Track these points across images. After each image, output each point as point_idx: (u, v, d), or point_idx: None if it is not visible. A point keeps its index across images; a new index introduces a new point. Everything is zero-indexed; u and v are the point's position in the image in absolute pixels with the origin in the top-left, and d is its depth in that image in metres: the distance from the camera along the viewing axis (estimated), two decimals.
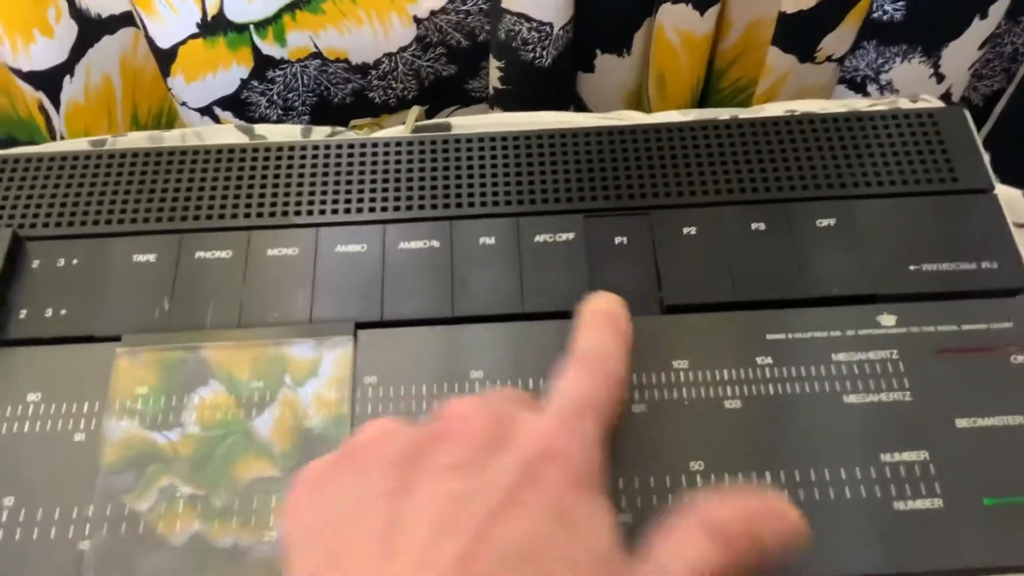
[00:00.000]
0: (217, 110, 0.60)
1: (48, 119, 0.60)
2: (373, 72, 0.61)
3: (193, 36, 0.55)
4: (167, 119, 0.66)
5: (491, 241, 0.33)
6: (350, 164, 0.35)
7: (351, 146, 0.37)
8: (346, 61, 0.60)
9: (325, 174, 0.35)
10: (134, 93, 0.63)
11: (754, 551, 0.22)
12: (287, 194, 0.34)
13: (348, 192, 0.34)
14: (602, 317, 0.27)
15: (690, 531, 0.22)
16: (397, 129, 0.42)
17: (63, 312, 0.31)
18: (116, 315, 0.31)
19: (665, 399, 0.29)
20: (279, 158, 0.36)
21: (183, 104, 0.59)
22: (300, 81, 0.61)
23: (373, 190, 0.34)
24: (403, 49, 0.60)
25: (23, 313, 0.32)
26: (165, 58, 0.56)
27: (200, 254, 0.33)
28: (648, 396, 0.29)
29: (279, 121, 0.63)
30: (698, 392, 0.29)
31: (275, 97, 0.61)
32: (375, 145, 0.36)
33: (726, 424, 0.28)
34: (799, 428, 0.28)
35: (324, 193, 0.34)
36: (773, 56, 0.53)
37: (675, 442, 0.28)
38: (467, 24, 0.59)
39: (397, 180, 0.35)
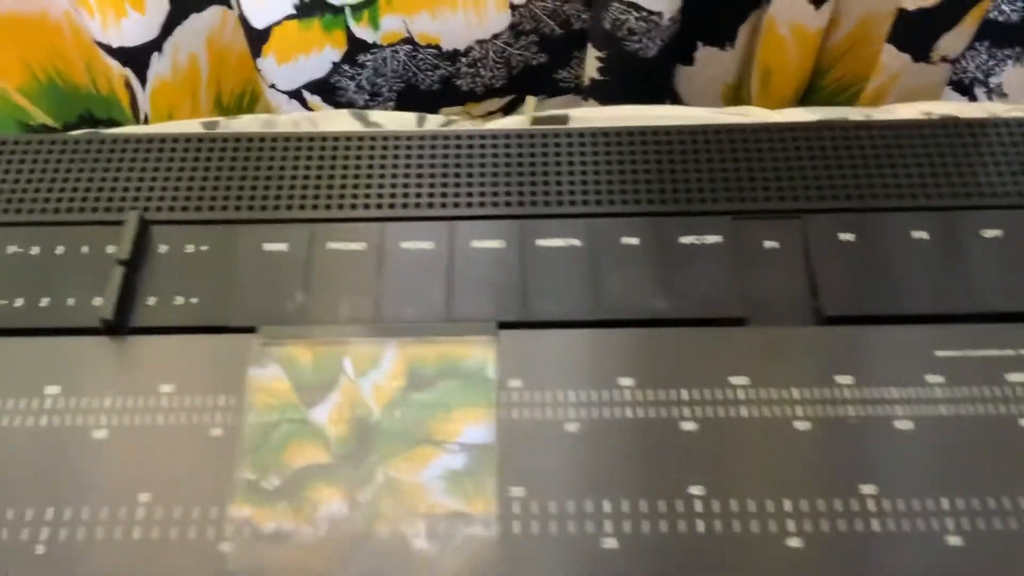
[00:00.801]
0: (306, 94, 0.58)
1: (133, 97, 0.59)
2: (463, 59, 0.60)
3: (289, 17, 0.54)
4: (249, 101, 0.65)
5: (634, 242, 0.31)
6: (469, 155, 0.34)
7: (470, 137, 0.35)
8: (437, 47, 0.59)
9: (445, 165, 0.34)
10: (219, 74, 0.62)
11: None
12: (419, 185, 0.33)
13: (482, 185, 0.33)
14: None
15: None
16: (513, 120, 0.41)
17: (193, 300, 0.30)
18: (249, 305, 0.30)
19: (830, 416, 0.27)
20: (396, 147, 0.34)
21: (271, 86, 0.58)
22: (389, 66, 0.60)
23: (502, 183, 0.33)
24: (496, 36, 0.58)
25: (152, 300, 0.30)
26: (257, 38, 0.55)
27: (332, 245, 0.32)
28: (811, 413, 0.27)
29: (366, 107, 0.61)
30: (865, 410, 0.27)
31: (363, 82, 0.60)
32: (495, 136, 0.35)
33: (896, 445, 0.27)
34: (972, 452, 0.27)
35: (458, 185, 0.33)
36: (887, 54, 0.51)
37: (843, 463, 0.27)
38: (563, 12, 0.58)
39: (520, 174, 0.33)
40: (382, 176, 0.33)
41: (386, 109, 0.62)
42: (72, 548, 0.26)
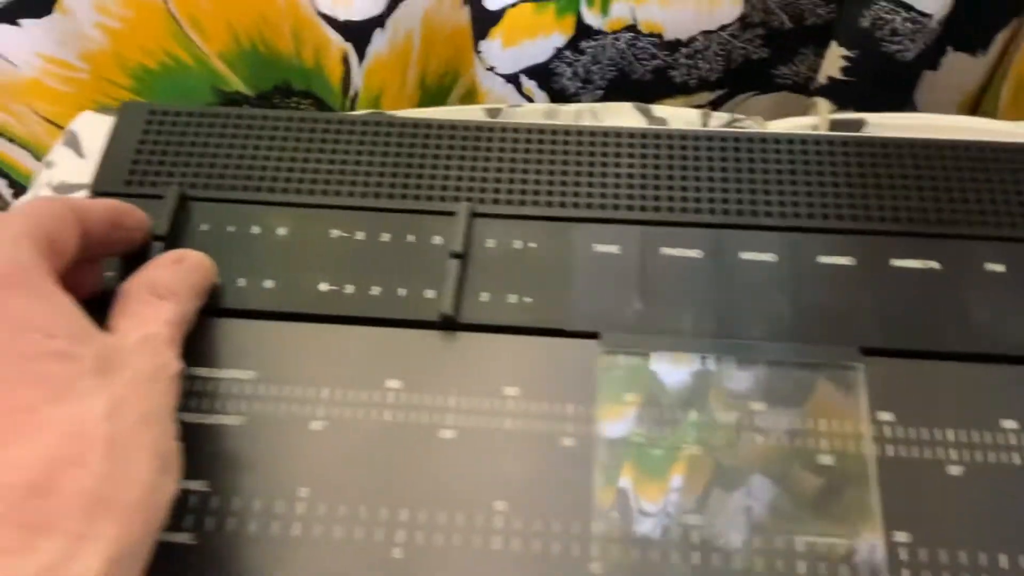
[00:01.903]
0: (523, 79, 0.57)
1: (347, 72, 0.58)
2: (683, 50, 0.58)
3: (525, 0, 0.52)
4: (450, 82, 0.64)
5: (999, 269, 0.29)
6: (804, 160, 0.32)
7: (760, 140, 0.33)
8: (659, 36, 0.57)
9: (779, 171, 0.32)
10: (428, 52, 0.61)
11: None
12: (752, 191, 0.31)
13: (823, 195, 0.31)
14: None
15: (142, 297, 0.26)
16: (801, 121, 0.39)
17: (527, 300, 0.29)
18: (585, 309, 0.29)
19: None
20: (695, 148, 0.32)
21: (490, 69, 0.56)
22: (607, 54, 0.58)
23: (844, 192, 0.31)
24: (723, 27, 0.56)
25: (484, 296, 0.29)
26: (487, 20, 0.53)
27: (666, 250, 0.30)
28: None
29: (577, 93, 0.60)
30: None
31: (579, 69, 0.58)
32: (781, 141, 0.33)
33: None
34: None
35: (795, 194, 0.31)
36: None
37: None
38: (798, 5, 0.55)
39: (853, 184, 0.31)
40: (711, 179, 0.32)
41: (594, 96, 0.61)
42: (430, 554, 0.25)
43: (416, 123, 0.33)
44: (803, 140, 0.33)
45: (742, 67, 0.59)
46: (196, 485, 0.26)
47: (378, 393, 0.27)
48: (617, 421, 0.27)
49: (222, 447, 0.26)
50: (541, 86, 0.58)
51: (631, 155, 0.32)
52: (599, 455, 0.26)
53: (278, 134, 0.33)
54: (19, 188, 0.65)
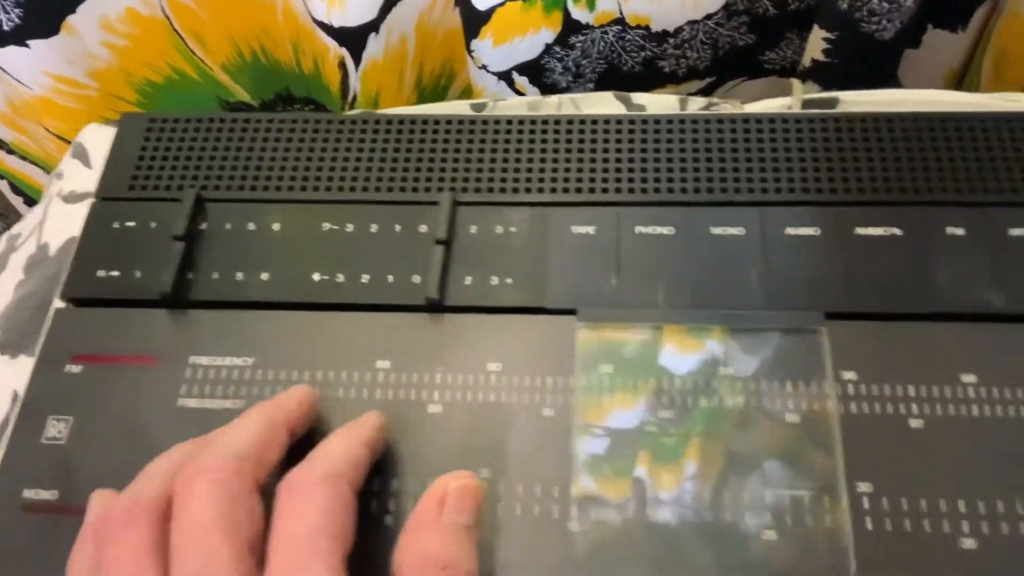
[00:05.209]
0: (515, 75, 0.59)
1: (344, 78, 0.60)
2: (671, 40, 0.59)
3: None
4: (445, 82, 0.66)
5: (959, 232, 0.30)
6: (772, 139, 0.33)
7: (732, 120, 0.34)
8: (646, 27, 0.58)
9: (747, 149, 0.33)
10: (423, 54, 0.63)
11: None
12: (723, 170, 0.33)
13: (789, 170, 0.32)
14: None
15: None
16: (777, 102, 0.40)
17: (508, 281, 0.31)
18: (563, 287, 0.30)
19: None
20: (669, 131, 0.34)
21: (482, 67, 0.58)
22: (595, 48, 0.59)
23: (811, 167, 0.32)
24: (708, 16, 0.57)
25: (468, 279, 0.31)
26: (477, 19, 0.55)
27: (640, 229, 0.31)
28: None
29: (568, 87, 0.61)
30: None
31: (570, 64, 0.60)
32: (750, 121, 0.34)
33: None
34: None
35: (763, 170, 0.32)
36: None
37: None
38: None
39: (828, 159, 0.33)
40: (684, 159, 0.33)
41: (586, 91, 0.62)
42: None
43: (402, 119, 0.35)
44: (771, 119, 0.34)
45: (729, 54, 0.61)
46: None
47: (369, 374, 0.29)
48: (592, 392, 0.28)
49: None
50: (533, 82, 0.60)
51: (606, 140, 0.34)
52: (578, 420, 0.28)
53: (271, 136, 0.35)
54: (34, 204, 0.67)
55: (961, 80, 0.57)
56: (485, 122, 0.34)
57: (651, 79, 0.61)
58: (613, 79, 0.61)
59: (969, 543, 0.25)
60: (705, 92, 0.64)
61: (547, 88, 0.61)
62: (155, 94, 0.64)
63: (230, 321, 0.30)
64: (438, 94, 0.66)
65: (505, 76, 0.59)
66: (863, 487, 0.26)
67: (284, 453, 0.25)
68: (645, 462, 0.27)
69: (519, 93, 0.59)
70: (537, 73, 0.59)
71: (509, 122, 0.34)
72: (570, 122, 0.34)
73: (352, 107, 0.59)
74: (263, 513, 0.23)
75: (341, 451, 0.25)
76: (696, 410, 0.27)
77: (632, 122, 0.34)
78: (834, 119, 0.33)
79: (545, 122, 0.34)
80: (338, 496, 0.23)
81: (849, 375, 0.28)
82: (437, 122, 0.35)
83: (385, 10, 0.57)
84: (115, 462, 0.28)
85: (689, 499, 0.26)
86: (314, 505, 0.23)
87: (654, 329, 0.29)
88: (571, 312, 0.30)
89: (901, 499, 0.26)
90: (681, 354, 0.29)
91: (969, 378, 0.27)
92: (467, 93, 0.65)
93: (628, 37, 0.58)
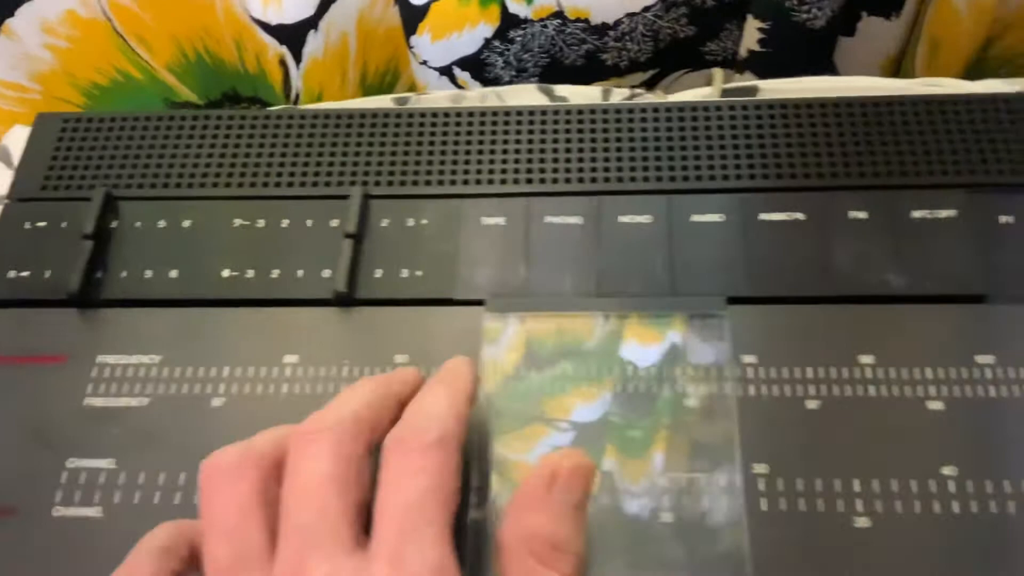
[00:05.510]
0: (456, 70, 0.59)
1: (286, 76, 0.60)
2: (611, 33, 0.59)
3: None
4: (391, 79, 0.66)
5: (862, 215, 0.30)
6: (681, 128, 0.34)
7: (655, 110, 0.35)
8: (586, 21, 0.58)
9: (657, 139, 0.33)
10: (365, 52, 0.63)
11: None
12: (632, 159, 0.33)
13: (697, 158, 0.32)
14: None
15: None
16: (700, 92, 0.40)
17: (419, 273, 0.31)
18: (472, 278, 0.31)
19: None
20: (592, 120, 0.34)
21: (423, 63, 0.58)
22: (536, 42, 0.59)
23: (717, 155, 0.33)
24: (646, 8, 0.57)
25: (379, 272, 0.31)
26: (414, 16, 0.55)
27: (549, 219, 0.32)
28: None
29: (511, 82, 0.61)
30: None
31: (511, 58, 0.60)
32: (694, 109, 0.34)
33: None
34: None
35: (672, 159, 0.33)
36: None
37: None
38: None
39: (737, 147, 0.33)
40: (599, 149, 0.33)
41: (531, 84, 0.62)
42: None
43: (317, 114, 0.35)
44: (692, 107, 0.34)
45: (671, 46, 0.61)
46: (104, 463, 0.28)
47: (276, 369, 0.29)
48: (500, 379, 0.28)
49: (128, 427, 0.28)
50: (475, 77, 0.60)
51: (521, 132, 0.34)
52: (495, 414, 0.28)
53: (184, 133, 0.35)
54: None
55: (899, 67, 0.58)
56: (399, 115, 0.34)
57: (594, 72, 0.62)
58: (556, 73, 0.61)
59: (863, 521, 0.25)
60: (649, 84, 0.64)
61: (490, 83, 0.61)
62: (101, 96, 0.63)
63: (138, 319, 0.30)
64: (384, 92, 0.66)
65: (446, 71, 0.59)
66: (759, 468, 0.26)
67: (392, 425, 0.24)
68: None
69: (461, 89, 0.59)
70: (479, 68, 0.59)
71: (423, 115, 0.35)
72: (483, 114, 0.34)
73: (296, 106, 0.59)
74: (373, 477, 0.22)
75: (450, 410, 0.24)
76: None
77: (556, 112, 0.35)
78: (743, 107, 0.34)
79: (459, 115, 0.34)
80: (449, 459, 0.22)
81: (749, 358, 0.28)
82: (351, 116, 0.35)
83: (323, 7, 0.57)
84: (20, 462, 0.28)
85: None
86: (427, 470, 0.22)
87: (565, 319, 0.29)
88: (480, 303, 0.30)
89: (796, 480, 0.26)
90: (589, 342, 0.29)
91: (867, 359, 0.28)
92: (412, 90, 0.65)
93: (568, 30, 0.59)
